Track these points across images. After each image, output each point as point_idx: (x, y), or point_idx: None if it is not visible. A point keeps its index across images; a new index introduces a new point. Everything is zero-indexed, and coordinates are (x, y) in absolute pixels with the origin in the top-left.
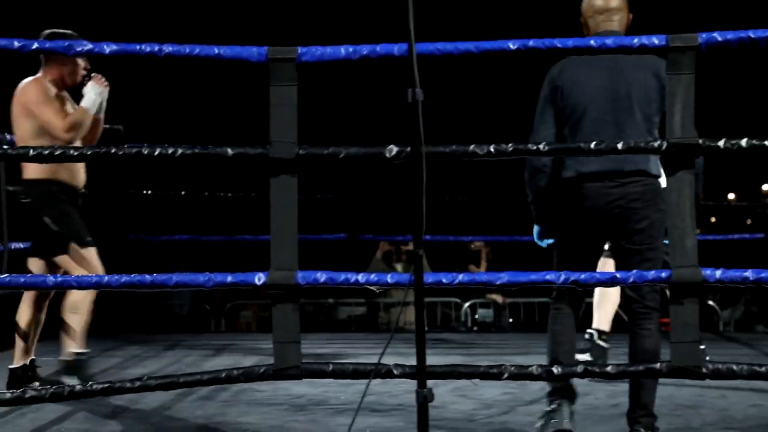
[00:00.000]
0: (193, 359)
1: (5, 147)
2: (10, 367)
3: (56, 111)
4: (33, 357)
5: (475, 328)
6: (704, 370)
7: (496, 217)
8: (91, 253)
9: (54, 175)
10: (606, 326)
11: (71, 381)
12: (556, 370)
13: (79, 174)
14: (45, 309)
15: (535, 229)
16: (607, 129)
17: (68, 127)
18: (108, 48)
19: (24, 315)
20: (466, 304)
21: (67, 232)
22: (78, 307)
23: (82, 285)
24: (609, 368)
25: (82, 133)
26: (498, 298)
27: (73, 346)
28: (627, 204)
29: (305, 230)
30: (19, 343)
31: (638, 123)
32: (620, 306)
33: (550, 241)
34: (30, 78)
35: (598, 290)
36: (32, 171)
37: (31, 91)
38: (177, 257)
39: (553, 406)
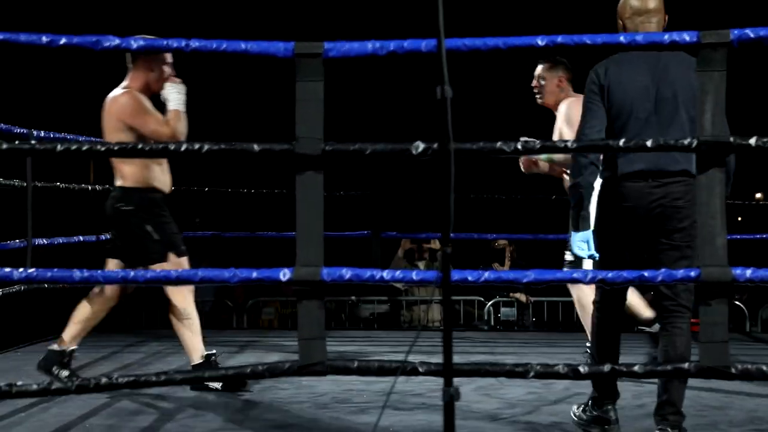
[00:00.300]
0: (220, 366)
1: (33, 142)
2: (54, 348)
3: (158, 120)
4: (75, 347)
5: (498, 327)
6: (733, 370)
7: (520, 215)
8: (184, 263)
9: (151, 182)
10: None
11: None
12: (582, 369)
13: (168, 181)
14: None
15: (579, 236)
16: (651, 130)
17: (173, 134)
18: (135, 43)
19: (91, 306)
20: (489, 303)
21: (167, 240)
22: (188, 313)
23: (108, 280)
24: (636, 368)
25: (184, 135)
26: (521, 296)
27: (195, 357)
28: (669, 203)
29: (328, 227)
30: (74, 329)
31: (683, 124)
32: (649, 303)
33: (591, 252)
34: (120, 90)
35: (577, 306)
36: (130, 178)
37: (126, 104)
38: (201, 253)
39: (605, 408)
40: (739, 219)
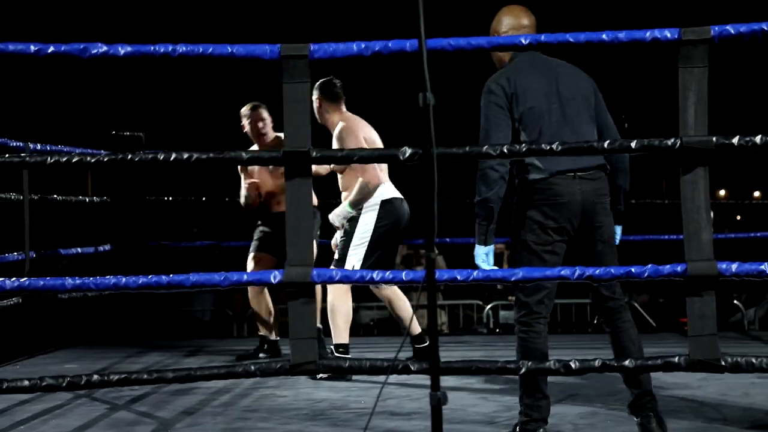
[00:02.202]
0: (212, 365)
1: (24, 155)
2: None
3: None
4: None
5: (497, 330)
6: (723, 363)
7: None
8: None
9: None
10: (345, 338)
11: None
12: (573, 365)
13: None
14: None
15: (485, 249)
16: (564, 130)
17: None
18: (123, 50)
19: (254, 304)
20: (488, 306)
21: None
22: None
23: (100, 287)
24: (627, 362)
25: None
26: None
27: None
28: (597, 198)
29: (325, 234)
30: (263, 322)
31: (589, 122)
32: (593, 305)
33: (492, 266)
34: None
35: (329, 305)
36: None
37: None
38: (199, 263)
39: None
40: (738, 218)
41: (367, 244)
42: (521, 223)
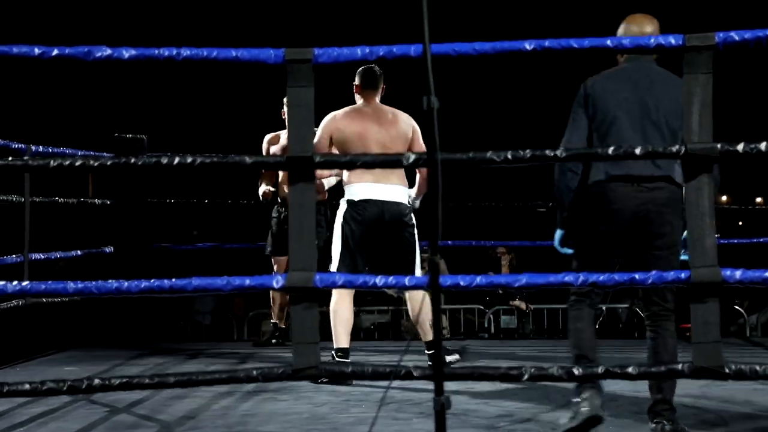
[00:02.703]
0: (216, 368)
1: (26, 158)
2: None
3: None
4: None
5: (499, 335)
6: (726, 370)
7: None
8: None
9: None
10: (345, 343)
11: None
12: (576, 371)
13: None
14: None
15: (558, 234)
16: (635, 139)
17: None
18: (127, 53)
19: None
20: (490, 311)
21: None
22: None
23: (102, 291)
24: (630, 369)
25: None
26: (521, 304)
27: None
28: (655, 208)
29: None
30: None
31: (665, 136)
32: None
33: (569, 251)
34: None
35: (331, 309)
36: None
37: None
38: (201, 266)
39: (583, 396)
40: (740, 223)
41: (339, 244)
42: (577, 223)
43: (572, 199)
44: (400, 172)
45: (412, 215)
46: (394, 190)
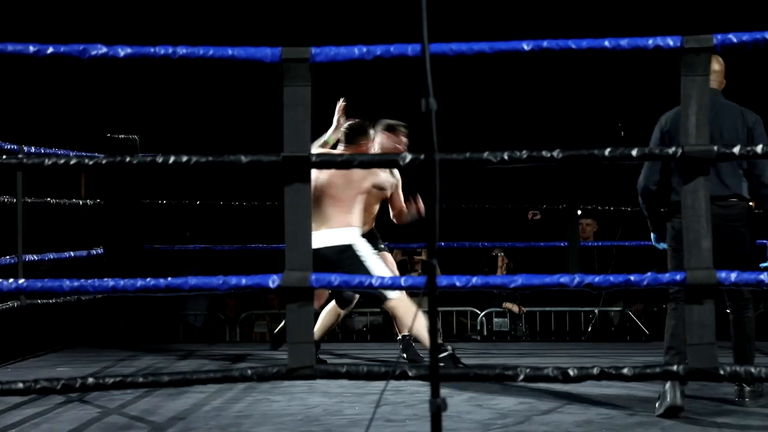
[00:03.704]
0: (208, 369)
1: (20, 157)
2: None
3: None
4: None
5: (492, 338)
6: (722, 372)
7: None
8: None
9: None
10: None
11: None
12: (571, 372)
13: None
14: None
15: (653, 235)
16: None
17: None
18: (123, 51)
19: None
20: (482, 314)
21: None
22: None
23: (97, 289)
24: (626, 370)
25: None
26: (514, 307)
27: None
28: (727, 222)
29: None
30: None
31: (733, 164)
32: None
33: (665, 245)
34: None
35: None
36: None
37: None
38: (193, 266)
39: (667, 387)
40: None
41: None
42: (670, 232)
43: (658, 212)
44: (336, 214)
45: (353, 247)
46: (321, 236)
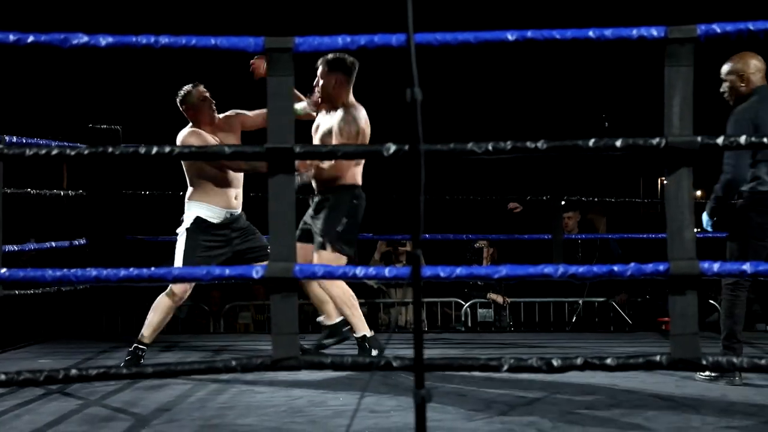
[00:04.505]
0: (192, 360)
1: (1, 146)
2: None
3: None
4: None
5: (476, 328)
6: (704, 362)
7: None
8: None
9: (357, 180)
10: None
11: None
12: (555, 362)
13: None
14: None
15: (708, 218)
16: None
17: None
18: (104, 40)
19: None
20: (467, 304)
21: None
22: (326, 297)
23: (80, 279)
24: (609, 360)
25: None
26: (498, 298)
27: (359, 331)
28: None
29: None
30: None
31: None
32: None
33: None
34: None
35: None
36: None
37: None
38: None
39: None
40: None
41: None
42: (746, 223)
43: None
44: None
45: (185, 223)
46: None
